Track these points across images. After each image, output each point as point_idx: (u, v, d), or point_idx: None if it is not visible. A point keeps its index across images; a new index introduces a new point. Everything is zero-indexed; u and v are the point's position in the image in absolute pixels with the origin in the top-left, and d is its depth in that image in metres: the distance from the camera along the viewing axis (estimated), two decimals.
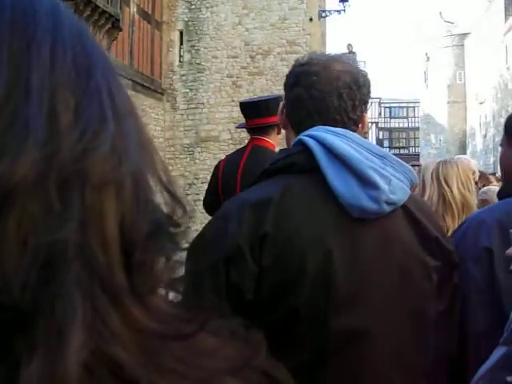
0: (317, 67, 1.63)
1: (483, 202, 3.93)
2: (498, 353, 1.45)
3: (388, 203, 1.49)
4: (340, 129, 1.55)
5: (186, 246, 0.57)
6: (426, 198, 3.36)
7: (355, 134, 1.56)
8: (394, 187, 1.49)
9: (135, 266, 0.49)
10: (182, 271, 0.58)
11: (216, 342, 0.53)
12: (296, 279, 1.42)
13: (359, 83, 1.64)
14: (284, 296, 1.43)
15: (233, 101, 18.82)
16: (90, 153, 0.47)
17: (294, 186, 1.50)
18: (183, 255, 0.76)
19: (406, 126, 60.91)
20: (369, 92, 1.69)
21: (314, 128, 1.56)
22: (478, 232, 2.12)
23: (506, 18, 38.76)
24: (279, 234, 1.42)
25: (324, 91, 1.60)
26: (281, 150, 1.74)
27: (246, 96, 17.78)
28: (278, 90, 18.26)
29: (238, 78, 19.59)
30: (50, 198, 0.44)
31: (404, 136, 60.93)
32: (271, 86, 19.07)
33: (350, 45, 21.70)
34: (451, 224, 3.14)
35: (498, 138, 40.04)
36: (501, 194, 2.34)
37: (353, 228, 1.49)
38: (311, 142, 1.50)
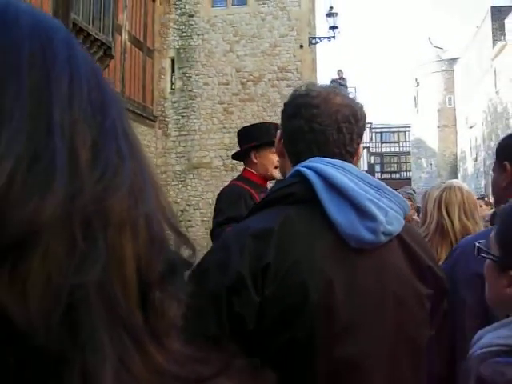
0: (317, 100, 1.66)
1: None
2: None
3: (385, 234, 1.52)
4: (337, 160, 1.58)
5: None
6: (425, 226, 3.31)
7: (352, 166, 1.60)
8: (391, 218, 1.53)
9: (152, 307, 0.48)
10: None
11: None
12: (298, 308, 1.44)
13: (357, 117, 1.67)
14: (285, 325, 1.44)
15: (224, 127, 18.88)
16: (110, 192, 0.46)
17: (294, 217, 1.52)
18: None
19: (397, 150, 61.08)
20: (364, 124, 1.72)
21: (312, 159, 1.59)
22: (470, 258, 2.12)
23: (494, 43, 39.20)
24: (281, 264, 1.44)
25: (324, 124, 1.63)
26: (277, 180, 1.75)
27: (237, 122, 17.86)
28: (270, 115, 18.41)
29: (229, 104, 19.65)
30: (75, 239, 0.43)
31: (395, 160, 61.08)
32: (262, 112, 19.14)
33: (340, 71, 21.84)
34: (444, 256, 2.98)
35: (489, 162, 40.44)
36: (493, 220, 2.34)
37: (351, 258, 1.51)
38: (310, 174, 1.53)
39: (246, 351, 0.59)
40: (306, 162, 1.58)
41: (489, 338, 1.43)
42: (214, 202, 4.15)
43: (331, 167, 1.53)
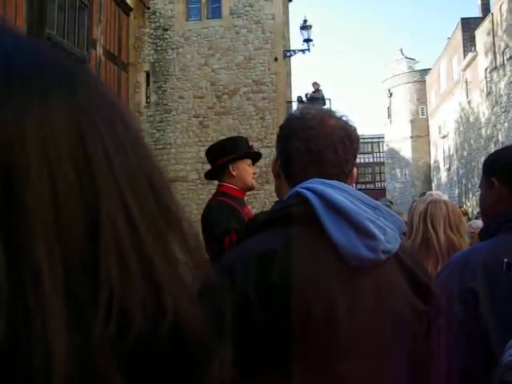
0: (313, 122, 1.70)
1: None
2: None
3: (384, 252, 1.55)
4: (335, 181, 1.62)
5: None
6: (410, 239, 3.33)
7: (349, 187, 1.64)
8: (389, 237, 1.56)
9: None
10: None
11: None
12: (303, 327, 1.45)
13: (352, 138, 1.72)
14: (291, 345, 1.45)
15: (200, 141, 18.88)
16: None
17: (295, 238, 1.54)
18: None
19: (371, 161, 61.52)
20: (358, 146, 1.77)
21: (310, 180, 1.62)
22: (463, 273, 2.14)
23: (465, 54, 39.76)
24: (286, 284, 1.45)
25: (321, 145, 1.67)
26: (276, 201, 1.78)
27: (213, 136, 17.88)
28: (245, 128, 18.48)
29: (204, 117, 19.66)
30: None
31: (370, 171, 61.37)
32: (238, 125, 19.19)
33: (315, 83, 21.90)
34: (433, 271, 3.00)
35: (462, 171, 40.83)
36: (483, 235, 2.36)
37: (352, 276, 1.54)
38: (309, 195, 1.55)
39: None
40: (305, 184, 1.61)
41: None
42: (195, 217, 4.11)
43: (330, 188, 1.56)
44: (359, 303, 1.53)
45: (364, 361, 1.51)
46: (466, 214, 7.41)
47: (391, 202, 8.92)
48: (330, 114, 1.76)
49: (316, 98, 20.68)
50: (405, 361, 1.59)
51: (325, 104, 20.27)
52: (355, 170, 1.78)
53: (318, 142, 1.66)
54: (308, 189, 1.58)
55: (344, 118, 1.75)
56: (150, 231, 0.49)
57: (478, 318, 2.04)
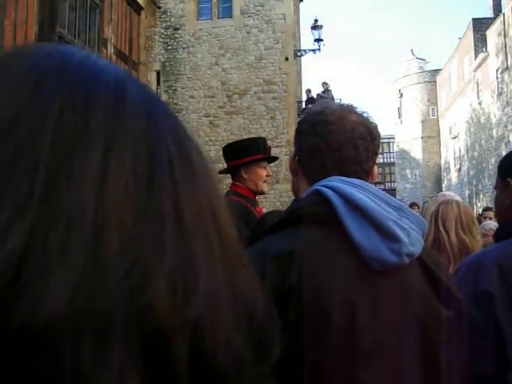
0: (332, 117, 1.63)
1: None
2: None
3: (408, 255, 1.48)
4: (356, 180, 1.54)
5: None
6: None
7: (372, 186, 1.56)
8: (413, 239, 1.49)
9: None
10: None
11: None
12: (321, 332, 1.39)
13: (373, 135, 1.66)
14: (309, 349, 1.39)
15: (210, 140, 18.86)
16: (142, 289, 0.40)
17: (315, 238, 1.47)
18: None
19: (381, 161, 61.34)
20: (379, 144, 1.70)
21: (330, 178, 1.55)
22: (478, 275, 2.11)
23: (476, 55, 39.61)
24: (304, 287, 1.39)
25: (340, 141, 1.60)
26: (294, 199, 1.70)
27: (223, 135, 17.88)
28: (256, 128, 18.46)
29: (215, 117, 19.66)
30: (80, 359, 0.37)
31: (380, 171, 61.18)
32: (248, 124, 19.17)
33: (325, 83, 21.87)
34: None
35: (473, 172, 40.69)
36: (498, 236, 2.33)
37: (374, 280, 1.47)
38: (330, 193, 1.48)
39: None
40: (325, 181, 1.54)
41: None
42: None
43: (351, 187, 1.49)
44: (380, 308, 1.46)
45: (383, 367, 1.45)
46: (478, 218, 7.30)
47: (418, 206, 8.90)
48: (350, 109, 1.69)
49: (325, 98, 20.63)
50: (426, 369, 1.53)
51: None
52: (376, 168, 1.71)
53: (337, 137, 1.60)
54: (328, 187, 1.50)
55: (365, 115, 1.68)
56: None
57: (493, 321, 2.01)
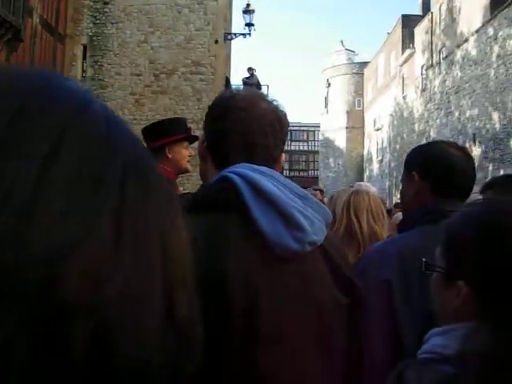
0: (243, 103, 1.63)
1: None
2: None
3: (310, 243, 1.51)
4: (264, 167, 1.55)
5: None
6: (333, 230, 3.36)
7: (278, 174, 1.58)
8: (316, 229, 1.53)
9: None
10: None
11: None
12: (226, 316, 1.40)
13: (282, 123, 1.67)
14: (216, 336, 1.39)
15: (135, 119, 18.57)
16: (51, 267, 0.40)
17: (220, 223, 1.48)
18: None
19: (305, 149, 61.92)
20: (287, 132, 1.72)
21: (239, 165, 1.55)
22: (380, 263, 2.18)
23: (403, 50, 40.47)
24: (207, 274, 1.36)
25: (250, 128, 1.61)
26: (202, 185, 1.70)
27: (148, 114, 17.68)
28: (182, 109, 18.33)
29: (141, 96, 19.40)
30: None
31: (304, 159, 61.71)
32: (174, 105, 19.02)
33: (250, 68, 21.88)
34: (355, 260, 3.00)
35: (394, 164, 41.58)
36: (402, 226, 2.41)
37: (276, 266, 1.49)
38: (237, 180, 1.49)
39: None
40: (233, 168, 1.54)
41: (430, 344, 1.46)
42: None
43: (258, 174, 1.51)
44: (282, 294, 1.49)
45: (283, 353, 1.48)
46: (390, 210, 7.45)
47: (322, 190, 9.06)
48: (261, 96, 1.71)
49: (250, 83, 20.64)
50: (326, 352, 1.57)
51: (260, 89, 20.26)
52: (283, 155, 1.73)
53: (247, 124, 1.60)
54: (236, 173, 1.51)
55: (275, 103, 1.69)
56: None
57: (390, 309, 2.08)
